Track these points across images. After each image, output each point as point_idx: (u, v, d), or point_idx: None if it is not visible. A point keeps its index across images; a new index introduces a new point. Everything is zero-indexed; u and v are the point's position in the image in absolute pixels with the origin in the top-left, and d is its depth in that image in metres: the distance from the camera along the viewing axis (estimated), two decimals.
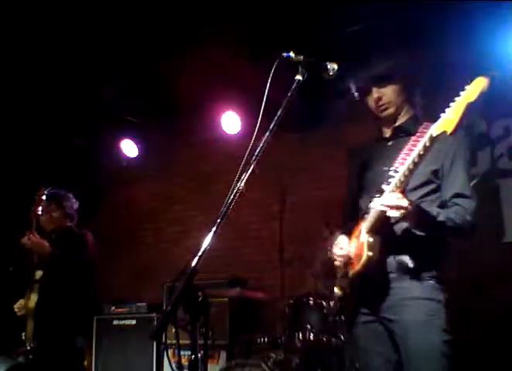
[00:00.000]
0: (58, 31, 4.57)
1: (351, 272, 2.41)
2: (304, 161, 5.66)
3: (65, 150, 6.43)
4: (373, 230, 2.31)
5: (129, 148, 6.50)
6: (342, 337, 3.87)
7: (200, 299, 1.75)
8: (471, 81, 1.98)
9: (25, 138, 6.04)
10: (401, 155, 2.27)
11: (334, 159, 5.58)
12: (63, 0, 4.19)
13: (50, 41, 4.67)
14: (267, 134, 1.94)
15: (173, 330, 1.73)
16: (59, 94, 5.52)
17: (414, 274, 2.32)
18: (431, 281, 2.33)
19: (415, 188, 2.36)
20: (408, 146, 2.25)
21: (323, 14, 4.41)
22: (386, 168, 2.32)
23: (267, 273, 5.23)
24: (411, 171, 2.13)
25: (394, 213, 2.16)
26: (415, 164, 2.10)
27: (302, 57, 2.09)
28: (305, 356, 3.94)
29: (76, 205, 4.19)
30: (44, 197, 3.97)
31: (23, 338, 3.87)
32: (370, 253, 2.28)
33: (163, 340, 1.71)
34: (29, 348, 3.79)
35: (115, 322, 5.65)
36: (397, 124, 2.53)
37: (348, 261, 2.45)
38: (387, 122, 2.56)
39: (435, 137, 2.00)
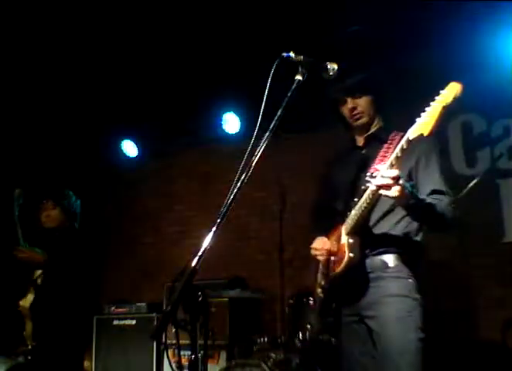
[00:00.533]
0: (60, 34, 4.58)
1: (332, 273, 2.48)
2: (304, 161, 5.66)
3: (65, 150, 6.43)
4: (353, 232, 2.40)
5: (129, 148, 6.51)
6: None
7: (200, 299, 1.75)
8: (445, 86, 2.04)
9: (25, 138, 6.04)
10: (376, 161, 2.39)
11: (333, 159, 5.59)
12: (66, 3, 4.20)
13: (54, 43, 4.68)
14: (267, 134, 1.94)
15: (173, 330, 1.73)
16: (60, 95, 5.53)
17: (393, 273, 2.41)
18: (410, 280, 2.42)
19: None
20: (381, 153, 2.40)
21: (324, 14, 4.42)
22: (362, 174, 2.42)
23: (267, 274, 5.23)
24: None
25: (388, 192, 2.17)
26: (392, 165, 2.15)
27: (301, 57, 2.09)
28: (305, 356, 3.94)
29: (76, 203, 4.15)
30: (20, 200, 3.97)
31: (24, 336, 3.87)
32: (352, 255, 2.37)
33: (163, 340, 1.71)
34: (29, 347, 3.79)
35: (115, 322, 5.64)
36: (370, 132, 2.66)
37: (328, 263, 2.53)
38: (360, 131, 2.68)
39: (412, 141, 2.07)
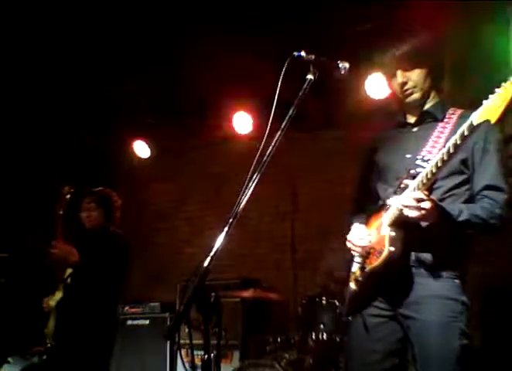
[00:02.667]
0: (72, 31, 4.60)
1: (369, 266, 2.27)
2: (316, 160, 5.65)
3: (78, 151, 6.47)
4: (396, 224, 2.17)
5: (142, 148, 6.53)
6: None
7: (213, 299, 1.75)
8: None
9: (39, 139, 6.09)
10: (429, 143, 2.18)
11: (346, 159, 5.57)
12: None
13: (65, 41, 4.70)
14: (279, 133, 1.93)
15: (186, 330, 1.73)
16: (72, 94, 5.56)
17: (438, 272, 2.18)
18: (456, 280, 2.20)
19: (443, 179, 2.20)
20: (436, 133, 2.18)
21: (335, 13, 4.40)
22: (410, 156, 2.24)
23: (279, 274, 5.23)
24: (444, 163, 1.99)
25: (412, 213, 2.04)
26: (450, 155, 1.95)
27: (313, 56, 2.08)
28: (318, 356, 3.93)
29: (117, 205, 4.14)
30: (68, 196, 3.96)
31: (45, 334, 3.88)
32: (392, 249, 2.14)
33: (176, 340, 1.71)
34: (48, 345, 3.79)
35: (129, 322, 5.66)
36: (423, 109, 2.39)
37: (367, 254, 2.30)
38: (413, 107, 2.41)
39: (476, 127, 1.84)
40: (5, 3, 4.19)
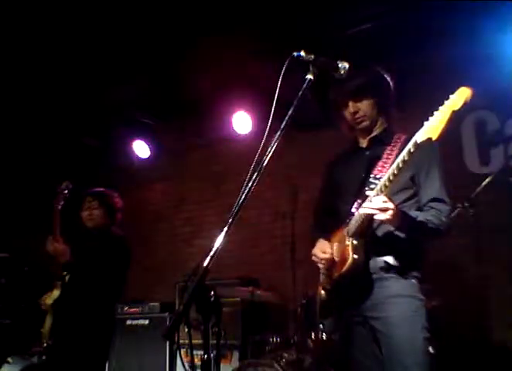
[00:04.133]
0: (73, 33, 4.60)
1: (336, 275, 2.48)
2: (315, 160, 5.64)
3: (78, 151, 6.48)
4: (357, 234, 2.39)
5: (141, 148, 6.53)
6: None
7: (212, 299, 1.75)
8: (455, 90, 2.03)
9: (39, 139, 6.09)
10: (380, 163, 2.44)
11: None
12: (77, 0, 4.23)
13: (65, 42, 4.71)
14: (279, 133, 1.93)
15: (186, 330, 1.73)
16: (73, 95, 5.56)
17: (397, 274, 2.41)
18: (413, 280, 2.43)
19: (395, 194, 2.42)
20: (385, 155, 2.43)
21: (335, 13, 4.41)
22: (364, 175, 2.46)
23: (279, 273, 5.22)
24: (395, 176, 2.18)
25: (381, 216, 2.24)
26: (400, 169, 2.15)
27: (312, 56, 2.08)
28: (318, 356, 3.93)
29: (118, 205, 4.13)
30: (66, 191, 3.95)
31: (42, 333, 3.87)
32: (356, 256, 2.36)
33: (176, 340, 1.71)
34: (45, 345, 3.78)
35: (128, 322, 5.67)
36: (372, 134, 2.65)
37: (332, 264, 2.53)
38: (363, 133, 2.67)
39: (420, 144, 2.04)
40: (6, 4, 4.20)
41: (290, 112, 1.99)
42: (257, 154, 1.90)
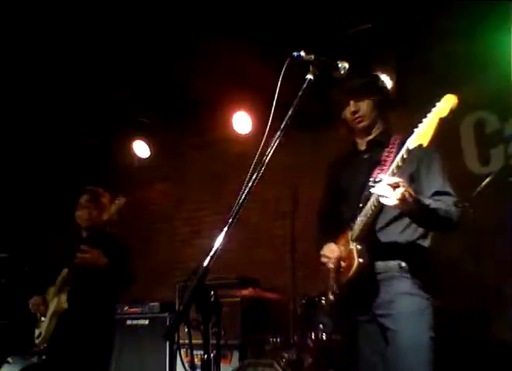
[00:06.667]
0: (73, 33, 4.60)
1: (343, 279, 2.50)
2: (316, 160, 5.64)
3: (78, 151, 6.48)
4: (360, 238, 2.43)
5: (141, 148, 6.53)
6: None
7: (212, 299, 1.75)
8: (441, 97, 2.08)
9: (39, 139, 6.09)
10: (378, 166, 2.47)
11: None
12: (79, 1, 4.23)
13: (66, 42, 4.71)
14: (279, 133, 1.93)
15: (186, 330, 1.73)
16: (73, 95, 5.56)
17: (403, 274, 2.44)
18: (420, 280, 2.46)
19: None
20: (383, 157, 2.45)
21: (335, 13, 4.41)
22: (366, 179, 2.45)
23: (279, 273, 5.22)
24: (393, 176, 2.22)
25: (392, 197, 2.20)
26: (394, 174, 2.20)
27: (312, 56, 2.09)
28: (318, 356, 3.93)
29: (112, 205, 4.11)
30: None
31: (36, 335, 3.84)
32: (361, 260, 2.40)
33: (176, 340, 1.71)
34: (41, 347, 3.76)
35: (128, 322, 5.67)
36: (371, 137, 2.67)
37: (339, 268, 2.55)
38: (362, 135, 2.70)
39: (411, 150, 2.11)
40: (7, 5, 4.20)
41: (290, 112, 1.99)
42: (257, 154, 1.90)
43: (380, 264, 2.47)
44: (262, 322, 5.16)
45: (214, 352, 1.81)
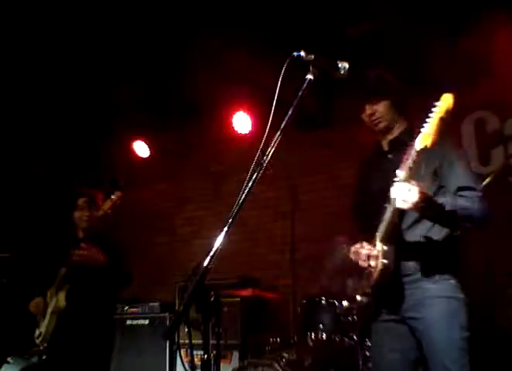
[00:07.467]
0: (74, 33, 4.61)
1: (372, 280, 2.49)
2: (316, 160, 5.65)
3: (77, 150, 6.48)
4: (386, 238, 2.41)
5: (142, 148, 6.53)
6: (354, 337, 3.86)
7: (212, 299, 1.75)
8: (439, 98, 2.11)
9: (39, 139, 6.09)
10: (400, 166, 2.41)
11: (346, 158, 5.57)
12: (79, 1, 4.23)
13: (66, 42, 4.71)
14: (278, 133, 1.94)
15: (186, 330, 1.73)
16: (73, 95, 5.57)
17: (434, 275, 2.43)
18: (451, 281, 2.45)
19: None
20: (404, 158, 2.38)
21: (335, 13, 4.41)
22: (390, 180, 2.41)
23: (279, 273, 5.23)
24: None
25: (405, 200, 2.24)
26: (408, 175, 2.23)
27: (312, 56, 2.08)
28: (318, 356, 3.92)
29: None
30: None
31: (36, 335, 3.84)
32: (386, 261, 2.40)
33: (176, 340, 1.71)
34: (41, 347, 3.76)
35: (128, 322, 5.66)
36: (392, 136, 2.68)
37: (370, 268, 2.52)
38: (384, 135, 2.70)
39: (419, 151, 2.17)
40: (8, 4, 4.20)
41: (290, 112, 1.99)
42: (257, 154, 1.90)
43: (407, 265, 2.46)
44: (262, 322, 5.16)
45: (214, 352, 1.81)
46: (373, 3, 4.26)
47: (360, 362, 3.74)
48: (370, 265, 2.50)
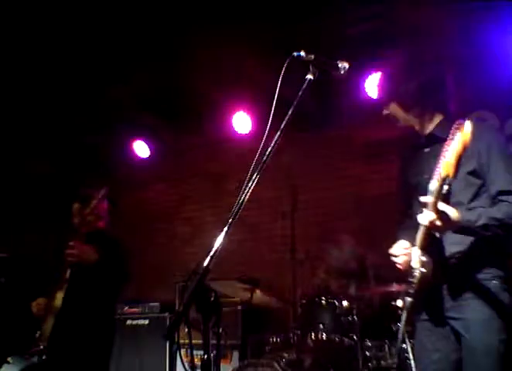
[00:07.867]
0: (73, 31, 4.60)
1: (413, 282, 2.44)
2: (315, 160, 5.65)
3: (78, 150, 6.48)
4: (423, 246, 2.34)
5: (142, 148, 6.53)
6: (354, 337, 3.86)
7: (212, 299, 1.75)
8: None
9: (39, 139, 6.09)
10: (439, 164, 2.30)
11: (345, 158, 5.57)
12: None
13: (66, 40, 4.71)
14: (278, 133, 1.93)
15: (186, 330, 1.73)
16: (73, 94, 5.56)
17: (476, 278, 2.37)
18: (495, 281, 2.38)
19: (459, 193, 2.39)
20: (443, 153, 2.26)
21: (335, 13, 4.41)
22: (426, 176, 2.36)
23: (279, 273, 5.22)
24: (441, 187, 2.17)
25: (433, 231, 2.26)
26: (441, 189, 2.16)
27: (312, 56, 2.08)
28: (318, 356, 3.92)
29: (105, 205, 4.05)
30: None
31: (37, 336, 3.83)
32: (424, 270, 2.35)
33: (176, 340, 1.71)
34: (42, 347, 3.75)
35: (128, 322, 5.67)
36: (427, 131, 2.58)
37: (410, 270, 2.47)
38: (417, 129, 2.62)
39: (444, 177, 2.11)
40: (6, 3, 4.20)
41: (290, 112, 1.99)
42: (257, 154, 1.90)
43: (449, 264, 2.40)
44: (262, 322, 5.16)
45: (214, 352, 1.81)
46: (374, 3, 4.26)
47: (360, 362, 3.75)
48: (411, 267, 2.43)
